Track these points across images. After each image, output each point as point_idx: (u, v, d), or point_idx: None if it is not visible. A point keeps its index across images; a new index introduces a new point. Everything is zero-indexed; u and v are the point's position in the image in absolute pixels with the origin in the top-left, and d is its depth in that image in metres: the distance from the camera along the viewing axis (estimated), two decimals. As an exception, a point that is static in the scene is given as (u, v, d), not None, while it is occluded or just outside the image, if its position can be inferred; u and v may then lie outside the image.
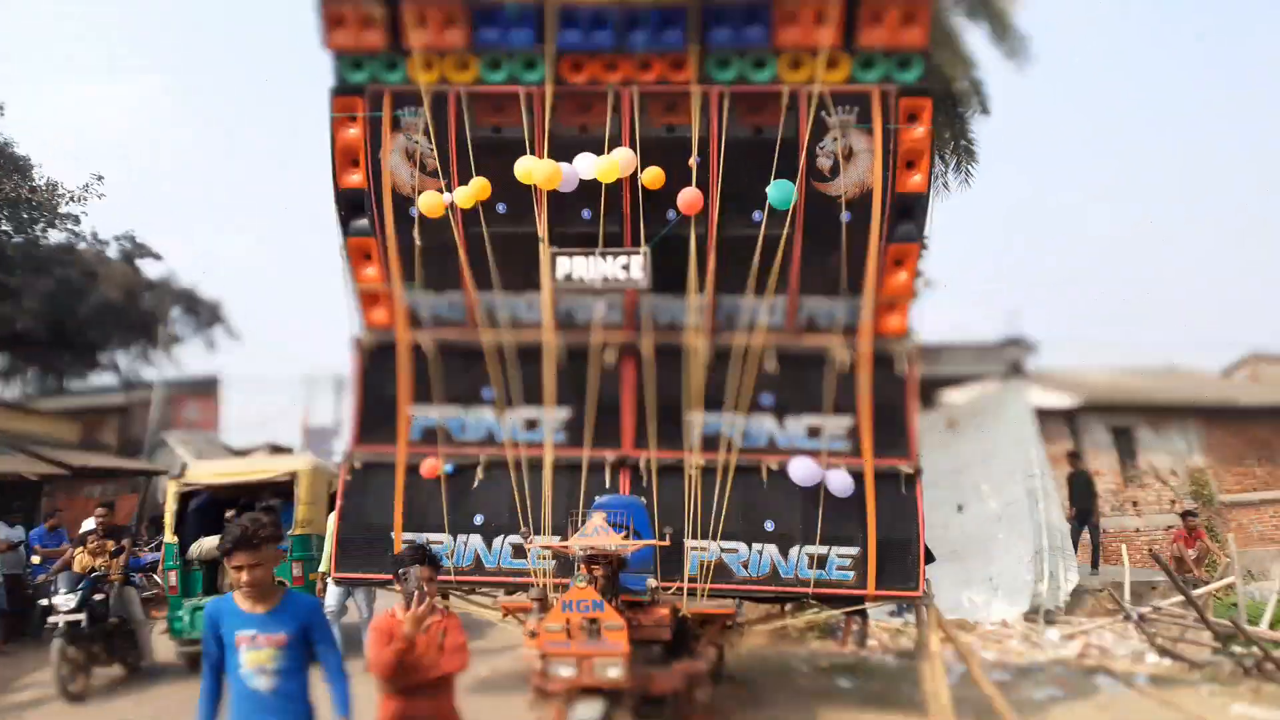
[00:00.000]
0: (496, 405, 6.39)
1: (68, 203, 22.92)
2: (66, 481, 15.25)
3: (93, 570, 8.48)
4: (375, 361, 6.58)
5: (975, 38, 13.27)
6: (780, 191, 5.80)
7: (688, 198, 5.85)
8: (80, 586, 8.04)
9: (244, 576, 3.40)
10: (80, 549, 8.78)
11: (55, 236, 23.00)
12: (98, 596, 8.22)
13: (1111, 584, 10.96)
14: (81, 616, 7.90)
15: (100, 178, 23.44)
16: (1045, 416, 15.76)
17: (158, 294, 23.80)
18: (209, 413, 25.97)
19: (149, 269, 24.70)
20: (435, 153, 6.15)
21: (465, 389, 6.49)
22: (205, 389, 25.98)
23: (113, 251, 23.99)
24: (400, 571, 3.95)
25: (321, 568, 8.43)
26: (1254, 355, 23.02)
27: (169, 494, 9.19)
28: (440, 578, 6.33)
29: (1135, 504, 17.15)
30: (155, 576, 11.72)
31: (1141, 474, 17.31)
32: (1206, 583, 10.95)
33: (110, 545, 8.88)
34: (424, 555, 3.99)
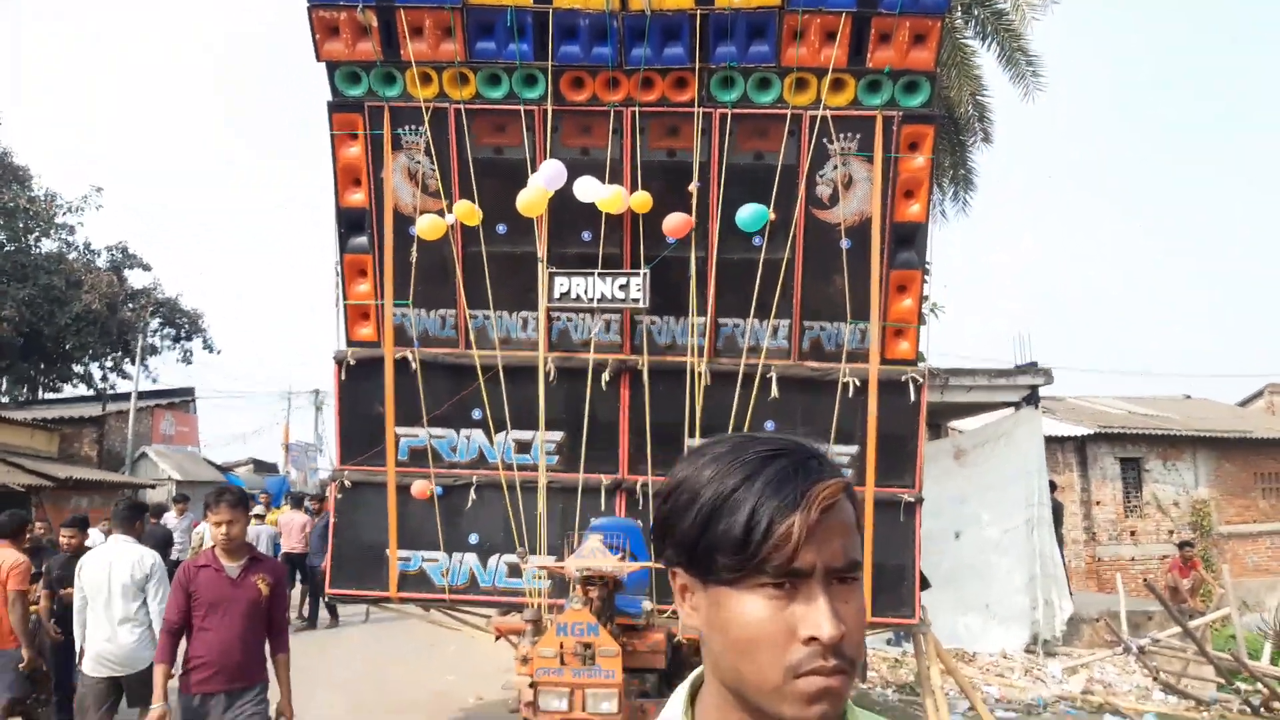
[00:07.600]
0: (487, 426, 6.30)
1: (65, 213, 22.94)
2: (50, 493, 15.08)
3: None
4: (357, 377, 6.41)
5: (985, 60, 13.20)
6: (749, 215, 5.62)
7: (674, 222, 5.70)
8: None
9: None
10: None
11: (48, 245, 23.03)
12: None
13: (1108, 613, 10.87)
14: None
15: (99, 189, 23.48)
16: (1054, 444, 15.69)
17: (138, 303, 23.68)
18: (185, 426, 25.68)
19: (135, 279, 24.68)
20: (437, 172, 6.11)
21: (455, 409, 6.36)
22: (181, 402, 25.78)
23: (102, 261, 23.96)
24: None
25: None
26: (1272, 386, 22.87)
27: None
28: (434, 596, 6.35)
29: (1133, 533, 17.09)
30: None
31: (1143, 504, 17.26)
32: (1201, 613, 10.88)
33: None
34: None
